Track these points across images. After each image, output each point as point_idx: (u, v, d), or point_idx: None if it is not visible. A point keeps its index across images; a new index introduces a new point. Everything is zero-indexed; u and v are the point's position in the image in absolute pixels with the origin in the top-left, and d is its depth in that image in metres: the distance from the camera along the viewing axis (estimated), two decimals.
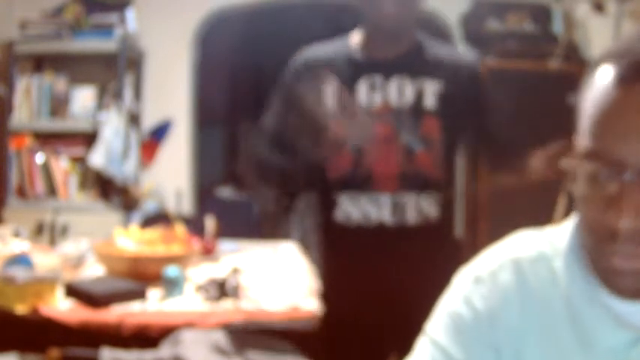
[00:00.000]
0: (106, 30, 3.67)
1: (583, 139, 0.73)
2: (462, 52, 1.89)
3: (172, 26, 4.02)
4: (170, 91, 4.06)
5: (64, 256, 2.16)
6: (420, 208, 1.72)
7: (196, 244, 2.31)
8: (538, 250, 0.84)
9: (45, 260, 2.03)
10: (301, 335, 1.72)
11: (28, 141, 3.69)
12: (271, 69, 7.72)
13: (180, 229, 2.33)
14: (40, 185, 3.69)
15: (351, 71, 1.74)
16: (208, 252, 2.47)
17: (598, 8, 3.42)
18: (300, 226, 5.62)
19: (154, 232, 2.31)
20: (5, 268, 1.85)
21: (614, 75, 0.70)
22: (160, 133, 4.05)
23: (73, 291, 1.85)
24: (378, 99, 1.71)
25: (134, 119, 3.87)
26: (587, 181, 0.72)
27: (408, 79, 1.72)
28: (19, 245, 2.29)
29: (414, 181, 1.71)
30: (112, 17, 3.68)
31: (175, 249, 2.18)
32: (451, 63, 1.77)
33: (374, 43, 1.77)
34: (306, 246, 3.96)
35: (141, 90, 3.99)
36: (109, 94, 3.73)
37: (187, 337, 1.57)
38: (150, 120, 4.02)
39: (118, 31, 3.66)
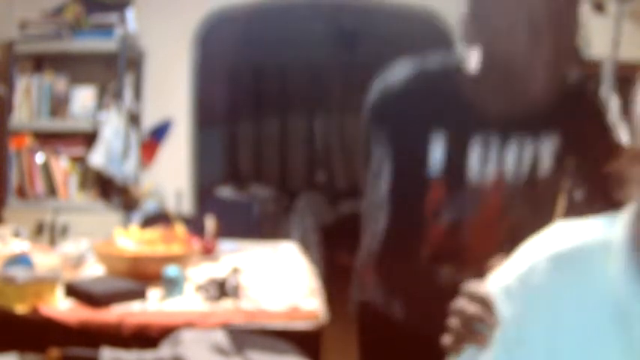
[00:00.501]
0: (106, 30, 3.66)
1: (636, 144, 0.74)
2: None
3: (172, 26, 4.02)
4: (170, 91, 4.06)
5: (64, 256, 2.16)
6: None
7: (196, 244, 2.31)
8: (580, 243, 0.81)
9: (45, 260, 2.03)
10: (301, 335, 1.72)
11: (28, 141, 3.68)
12: (271, 69, 7.77)
13: (180, 229, 2.33)
14: (40, 185, 3.68)
15: (463, 122, 1.30)
16: (208, 252, 2.47)
17: (598, 8, 3.42)
18: (300, 226, 5.63)
19: (154, 232, 2.31)
20: (5, 268, 1.85)
21: None
22: (159, 133, 4.05)
23: (73, 291, 1.85)
24: (491, 168, 1.31)
25: (134, 119, 3.87)
26: None
27: (529, 138, 1.31)
28: (19, 245, 2.29)
29: None
30: (112, 17, 3.68)
31: (175, 249, 2.18)
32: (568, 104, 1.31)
33: (494, 88, 1.28)
34: (306, 246, 3.96)
35: (141, 90, 3.99)
36: (109, 94, 3.73)
37: (187, 337, 1.57)
38: (150, 120, 4.02)
39: (118, 31, 3.66)
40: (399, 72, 1.37)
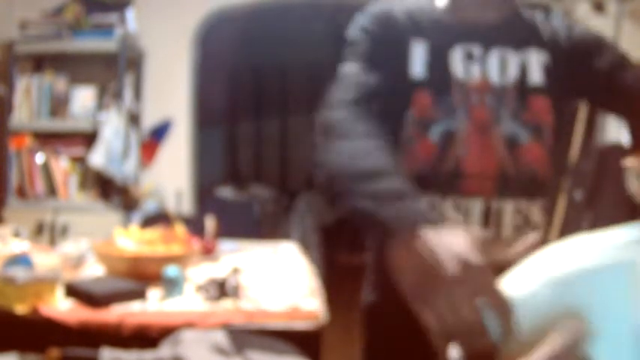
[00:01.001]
0: (106, 30, 3.67)
1: None
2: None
3: (172, 26, 4.02)
4: (170, 91, 4.06)
5: (64, 256, 2.16)
6: (521, 218, 1.32)
7: (196, 244, 2.30)
8: (606, 259, 0.74)
9: (45, 260, 2.03)
10: (301, 335, 1.72)
11: (28, 141, 3.69)
12: (271, 69, 7.77)
13: (180, 229, 2.33)
14: (40, 185, 3.69)
15: (442, 36, 1.36)
16: (208, 252, 2.47)
17: (598, 8, 3.42)
18: (300, 226, 5.63)
19: (154, 232, 2.31)
20: (5, 268, 1.85)
21: None
22: (159, 133, 4.05)
23: (73, 291, 1.85)
24: (475, 73, 1.33)
25: (134, 119, 3.87)
26: None
27: (512, 50, 1.36)
28: (19, 245, 2.29)
29: (516, 184, 1.31)
30: (112, 17, 3.68)
31: (175, 249, 2.18)
32: (556, 29, 1.42)
33: (468, 4, 1.39)
34: (306, 246, 3.96)
35: (141, 90, 3.99)
36: (109, 94, 3.73)
37: (187, 337, 1.57)
38: (150, 120, 4.02)
39: (118, 31, 3.66)
40: (388, 2, 1.44)
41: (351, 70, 1.40)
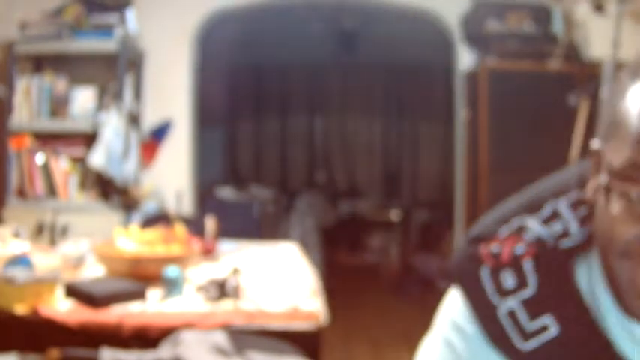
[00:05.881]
0: (106, 30, 3.66)
1: (621, 152, 0.66)
2: None
3: (172, 26, 4.02)
4: (170, 91, 4.06)
5: (64, 256, 2.16)
6: None
7: (196, 244, 2.30)
8: None
9: (45, 260, 2.03)
10: (301, 335, 1.72)
11: (28, 141, 3.68)
12: (271, 69, 7.78)
13: (180, 229, 2.33)
14: (40, 185, 3.68)
15: None
16: (208, 252, 2.47)
17: (598, 8, 3.42)
18: (300, 226, 5.63)
19: (154, 233, 2.31)
20: (5, 268, 1.85)
21: None
22: (160, 133, 4.05)
23: (73, 291, 1.85)
24: None
25: (134, 119, 3.87)
26: (624, 200, 0.65)
27: None
28: (19, 245, 2.29)
29: None
30: (112, 17, 3.68)
31: (175, 249, 2.18)
32: None
33: None
34: (306, 246, 3.96)
35: (141, 90, 3.99)
36: (109, 95, 3.73)
37: (187, 337, 1.57)
38: (150, 120, 4.02)
39: (118, 32, 3.66)
40: None
41: None
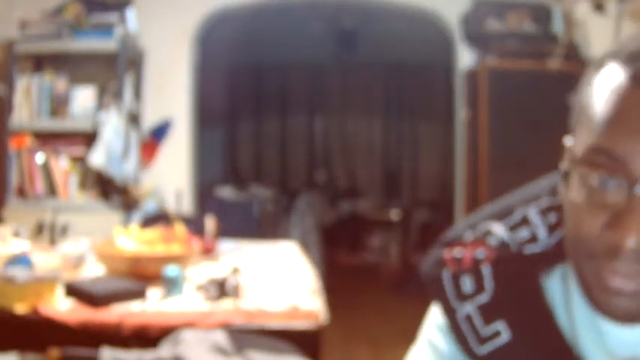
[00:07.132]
0: (106, 30, 3.66)
1: (584, 138, 0.65)
2: None
3: (172, 26, 4.02)
4: (170, 91, 4.06)
5: (64, 256, 2.16)
6: None
7: (196, 244, 2.31)
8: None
9: (45, 260, 2.03)
10: (301, 335, 1.72)
11: (28, 141, 3.68)
12: (271, 69, 7.77)
13: (180, 229, 2.33)
14: (40, 185, 3.68)
15: None
16: (208, 251, 2.47)
17: (598, 8, 3.42)
18: (300, 226, 5.63)
19: (154, 232, 2.31)
20: (5, 268, 1.85)
21: (629, 75, 0.62)
22: (159, 133, 4.05)
23: (73, 291, 1.85)
24: None
25: (134, 119, 3.87)
26: (585, 188, 0.63)
27: None
28: (19, 245, 2.29)
29: None
30: (112, 17, 3.68)
31: (175, 248, 2.18)
32: None
33: None
34: (306, 246, 3.96)
35: (141, 90, 3.99)
36: (109, 94, 3.73)
37: (187, 337, 1.57)
38: (150, 120, 4.02)
39: (118, 31, 3.66)
40: None
41: None
